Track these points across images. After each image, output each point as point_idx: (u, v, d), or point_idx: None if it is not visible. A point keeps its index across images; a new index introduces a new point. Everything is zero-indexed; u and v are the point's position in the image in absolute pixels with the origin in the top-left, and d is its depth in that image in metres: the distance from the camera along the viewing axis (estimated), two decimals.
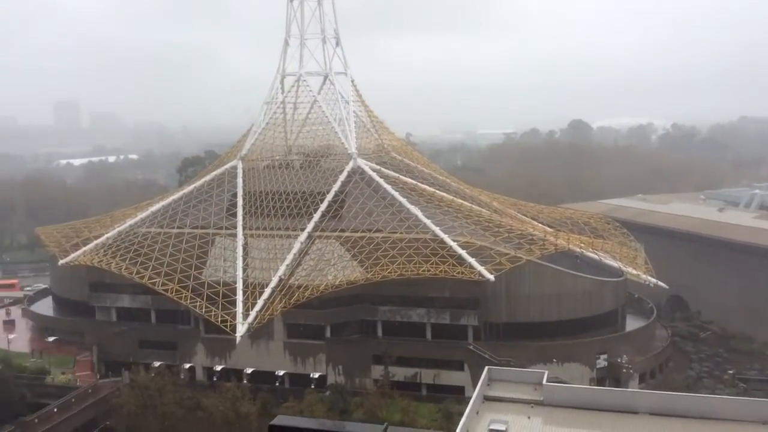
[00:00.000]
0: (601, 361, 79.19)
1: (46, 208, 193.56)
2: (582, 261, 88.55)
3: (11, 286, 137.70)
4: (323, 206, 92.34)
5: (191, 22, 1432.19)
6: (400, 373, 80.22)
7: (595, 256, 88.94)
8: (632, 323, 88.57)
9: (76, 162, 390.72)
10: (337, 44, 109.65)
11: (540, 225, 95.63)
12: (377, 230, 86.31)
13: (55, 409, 75.37)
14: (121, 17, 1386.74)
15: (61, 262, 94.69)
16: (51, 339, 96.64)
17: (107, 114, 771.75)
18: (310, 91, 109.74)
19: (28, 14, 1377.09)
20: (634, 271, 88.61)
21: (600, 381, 77.94)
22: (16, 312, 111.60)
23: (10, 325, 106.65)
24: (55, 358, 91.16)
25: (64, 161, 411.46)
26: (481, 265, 78.02)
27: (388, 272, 78.90)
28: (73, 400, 77.82)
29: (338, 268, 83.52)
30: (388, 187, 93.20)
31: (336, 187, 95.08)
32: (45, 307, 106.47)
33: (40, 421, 72.95)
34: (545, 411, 44.75)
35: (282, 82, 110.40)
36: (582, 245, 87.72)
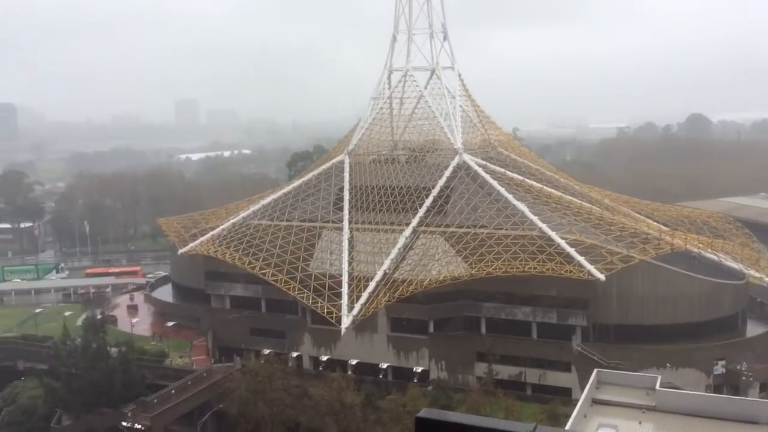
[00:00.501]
0: (719, 368, 75.00)
1: (167, 200, 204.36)
2: (700, 262, 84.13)
3: (134, 273, 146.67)
4: (428, 201, 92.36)
5: (302, 21, 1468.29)
6: (504, 371, 79.20)
7: (715, 258, 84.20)
8: (754, 329, 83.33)
9: (194, 157, 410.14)
10: (445, 38, 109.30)
11: (655, 223, 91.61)
12: (482, 226, 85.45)
13: (173, 391, 79.53)
14: (237, 21, 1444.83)
15: (180, 251, 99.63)
16: (170, 324, 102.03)
17: (223, 111, 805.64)
18: (417, 86, 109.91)
19: (152, 20, 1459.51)
20: (757, 274, 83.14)
21: (717, 388, 73.81)
22: (138, 297, 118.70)
23: (133, 309, 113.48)
24: (174, 342, 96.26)
25: (183, 156, 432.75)
26: (591, 264, 75.65)
27: (493, 269, 77.97)
28: (189, 382, 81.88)
29: (442, 264, 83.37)
30: (494, 183, 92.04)
31: (441, 182, 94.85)
32: (165, 293, 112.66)
33: (159, 401, 77.22)
34: (657, 417, 42.82)
35: (389, 78, 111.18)
36: (700, 245, 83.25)
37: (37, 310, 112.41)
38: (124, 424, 76.51)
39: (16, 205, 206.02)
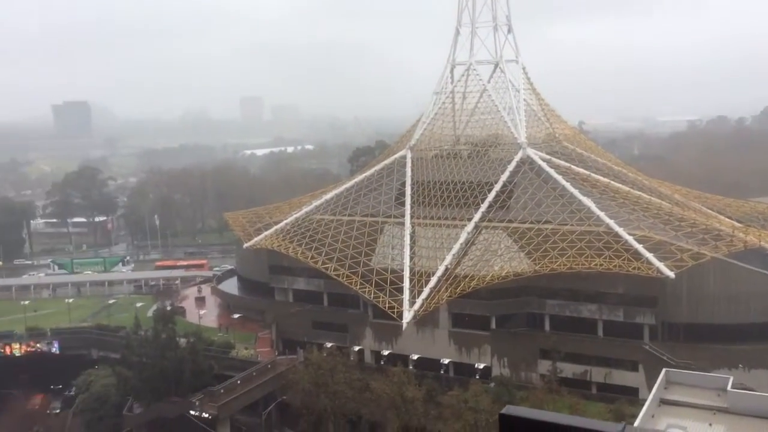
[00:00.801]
0: None
1: (233, 195, 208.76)
2: None
3: (200, 266, 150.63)
4: (491, 196, 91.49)
5: (364, 18, 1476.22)
6: (569, 369, 77.83)
7: None
8: None
9: (259, 152, 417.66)
10: (509, 31, 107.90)
11: (727, 220, 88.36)
12: (546, 222, 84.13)
13: (239, 381, 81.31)
14: (300, 20, 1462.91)
15: (245, 245, 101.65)
16: (236, 316, 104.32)
17: (287, 107, 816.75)
18: (480, 80, 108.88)
19: (219, 21, 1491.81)
20: None
21: None
22: (206, 290, 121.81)
23: (201, 301, 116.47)
24: (239, 333, 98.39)
25: (248, 152, 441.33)
26: (661, 261, 73.53)
27: (557, 265, 76.67)
28: (254, 373, 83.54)
29: (505, 259, 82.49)
30: (559, 178, 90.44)
31: (504, 177, 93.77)
32: (231, 286, 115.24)
33: (226, 391, 79.09)
34: (729, 419, 41.26)
35: (452, 72, 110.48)
36: None
37: (111, 301, 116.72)
38: (192, 412, 78.70)
39: (90, 200, 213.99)
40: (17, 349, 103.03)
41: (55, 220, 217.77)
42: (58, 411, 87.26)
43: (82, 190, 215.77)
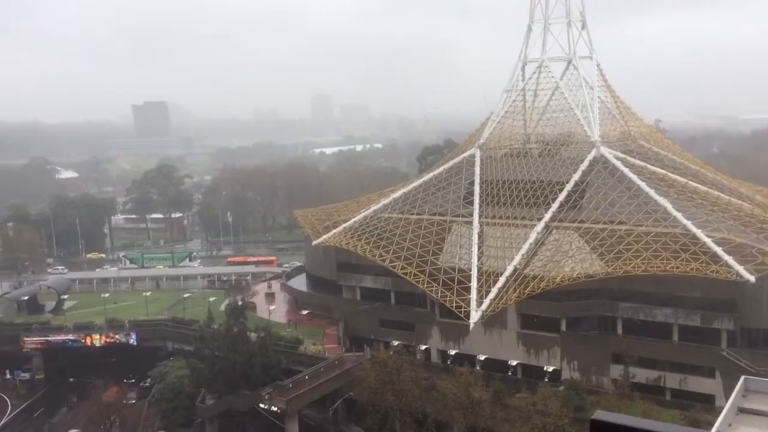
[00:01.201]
0: None
1: (302, 192, 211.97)
2: None
3: (270, 263, 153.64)
4: (562, 196, 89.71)
5: (433, 17, 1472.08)
6: (642, 374, 75.53)
7: None
8: None
9: (328, 151, 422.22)
10: (583, 27, 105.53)
11: None
12: (620, 222, 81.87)
13: (307, 377, 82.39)
14: (370, 20, 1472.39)
15: (314, 242, 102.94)
16: (304, 312, 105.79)
17: (356, 106, 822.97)
18: (552, 77, 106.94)
19: (290, 22, 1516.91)
20: None
21: None
22: (276, 286, 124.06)
23: (270, 297, 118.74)
24: (307, 329, 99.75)
25: (318, 150, 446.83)
26: (740, 265, 70.47)
27: (631, 267, 74.48)
28: (321, 369, 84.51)
29: (576, 261, 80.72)
30: (634, 177, 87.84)
31: (576, 176, 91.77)
32: (300, 282, 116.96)
33: (294, 386, 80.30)
34: None
35: (523, 69, 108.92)
36: None
37: (185, 295, 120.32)
38: (261, 405, 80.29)
39: (167, 197, 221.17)
40: (97, 340, 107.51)
41: (134, 216, 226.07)
42: (134, 401, 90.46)
43: (160, 188, 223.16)
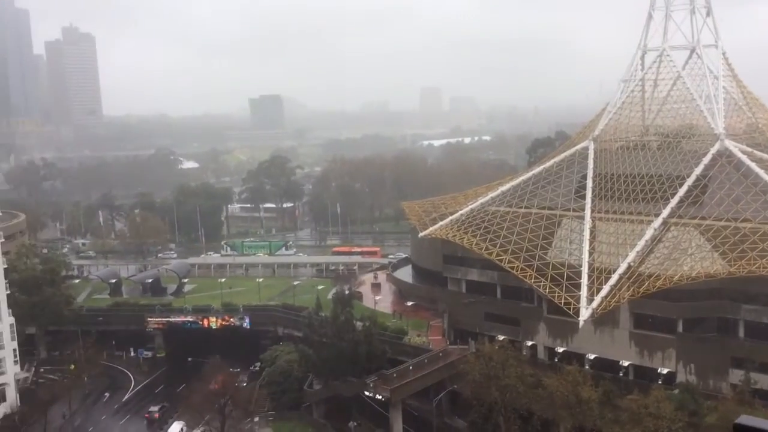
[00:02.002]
0: None
1: (410, 184, 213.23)
2: None
3: (374, 253, 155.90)
4: (682, 191, 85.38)
5: (544, 8, 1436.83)
6: (765, 381, 70.83)
7: None
8: None
9: (436, 143, 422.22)
10: (708, 13, 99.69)
11: None
12: (744, 220, 76.94)
13: (411, 367, 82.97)
14: (480, 12, 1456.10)
15: (420, 234, 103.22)
16: (409, 303, 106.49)
17: (465, 98, 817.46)
18: (674, 66, 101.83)
19: (400, 14, 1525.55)
20: None
21: None
22: (382, 276, 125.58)
23: (376, 287, 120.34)
24: (412, 320, 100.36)
25: (426, 142, 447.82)
26: None
27: (756, 267, 69.88)
28: (425, 360, 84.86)
29: (696, 259, 76.64)
30: (761, 172, 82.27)
31: (698, 170, 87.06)
32: (405, 274, 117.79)
33: (398, 376, 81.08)
34: None
35: (642, 58, 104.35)
36: None
37: (295, 283, 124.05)
38: (366, 393, 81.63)
39: (280, 187, 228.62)
40: (213, 322, 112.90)
41: (248, 205, 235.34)
42: (245, 384, 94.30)
43: (273, 178, 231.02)
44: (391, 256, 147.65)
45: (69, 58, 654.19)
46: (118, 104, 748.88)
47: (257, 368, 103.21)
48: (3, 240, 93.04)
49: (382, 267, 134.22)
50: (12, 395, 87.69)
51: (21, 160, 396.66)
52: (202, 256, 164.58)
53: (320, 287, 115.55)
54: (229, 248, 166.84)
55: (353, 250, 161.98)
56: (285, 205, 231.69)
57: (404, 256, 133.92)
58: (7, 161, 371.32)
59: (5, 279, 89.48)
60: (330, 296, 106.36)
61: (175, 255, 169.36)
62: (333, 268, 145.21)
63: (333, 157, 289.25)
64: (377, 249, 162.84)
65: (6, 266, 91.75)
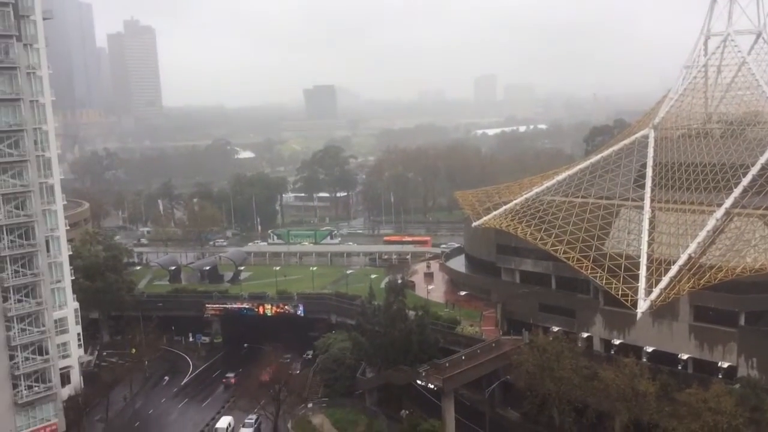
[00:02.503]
0: None
1: (463, 174, 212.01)
2: None
3: (425, 243, 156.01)
4: (746, 180, 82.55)
5: None
6: None
7: None
8: None
9: (491, 132, 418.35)
10: None
11: None
12: None
13: (463, 357, 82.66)
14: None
15: (474, 224, 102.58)
16: (462, 293, 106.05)
17: (521, 86, 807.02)
18: (739, 51, 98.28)
19: (455, 2, 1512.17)
20: None
21: None
22: (434, 266, 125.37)
23: (429, 277, 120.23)
24: (465, 310, 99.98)
25: (480, 131, 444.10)
26: None
27: None
28: (478, 351, 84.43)
29: (760, 251, 74.07)
30: None
31: (763, 159, 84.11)
32: (458, 263, 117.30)
33: (451, 365, 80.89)
34: None
35: (705, 44, 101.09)
36: None
37: (348, 272, 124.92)
38: (418, 382, 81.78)
39: (333, 177, 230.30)
40: (269, 310, 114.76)
41: (302, 195, 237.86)
42: (298, 372, 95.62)
43: (327, 168, 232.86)
44: (444, 246, 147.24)
45: (130, 50, 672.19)
46: (176, 95, 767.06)
47: (309, 356, 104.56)
48: (68, 227, 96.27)
49: (435, 256, 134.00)
50: (76, 378, 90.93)
51: (85, 150, 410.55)
52: (250, 244, 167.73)
53: (373, 276, 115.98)
54: (276, 237, 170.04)
55: (404, 239, 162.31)
56: (338, 195, 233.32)
57: (456, 245, 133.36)
58: (71, 151, 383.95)
59: (70, 265, 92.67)
60: (383, 285, 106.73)
61: (225, 243, 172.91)
62: (386, 257, 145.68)
63: (386, 146, 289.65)
64: (428, 238, 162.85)
65: (71, 253, 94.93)
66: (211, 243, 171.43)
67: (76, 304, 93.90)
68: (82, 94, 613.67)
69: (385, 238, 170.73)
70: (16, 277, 78.52)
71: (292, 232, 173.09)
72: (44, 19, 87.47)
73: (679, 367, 77.55)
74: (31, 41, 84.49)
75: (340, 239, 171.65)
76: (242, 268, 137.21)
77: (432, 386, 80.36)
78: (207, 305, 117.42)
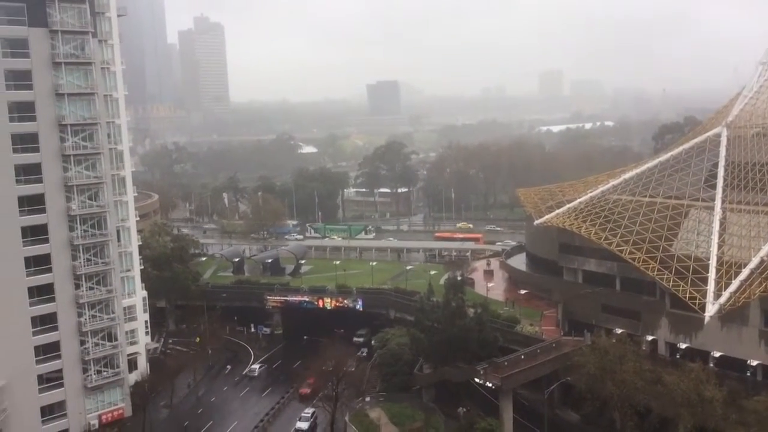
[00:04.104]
0: None
1: (526, 171, 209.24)
2: None
3: (476, 240, 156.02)
4: None
5: None
6: None
7: None
8: None
9: (555, 128, 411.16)
10: None
11: None
12: None
13: (522, 356, 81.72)
14: None
15: (535, 222, 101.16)
16: (522, 291, 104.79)
17: (588, 81, 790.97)
18: None
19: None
20: None
21: None
22: (495, 264, 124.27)
23: (489, 275, 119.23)
24: (525, 309, 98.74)
25: (544, 128, 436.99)
26: None
27: None
28: (538, 351, 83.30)
29: None
30: None
31: None
32: (519, 261, 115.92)
33: (509, 364, 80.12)
34: None
35: None
36: None
37: (408, 267, 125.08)
38: (476, 380, 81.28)
39: (395, 172, 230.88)
40: (328, 303, 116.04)
41: (364, 190, 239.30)
42: (353, 369, 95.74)
43: (388, 163, 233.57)
44: (499, 243, 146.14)
45: (200, 46, 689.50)
46: (243, 91, 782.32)
47: (364, 354, 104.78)
48: (138, 218, 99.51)
49: (496, 254, 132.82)
50: (143, 364, 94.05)
51: (155, 143, 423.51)
52: (286, 237, 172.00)
53: (433, 273, 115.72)
54: (313, 230, 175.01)
55: (455, 235, 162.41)
56: (399, 190, 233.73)
57: (513, 243, 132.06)
58: (142, 145, 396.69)
59: (139, 255, 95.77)
60: (442, 282, 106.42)
61: (302, 237, 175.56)
62: (446, 253, 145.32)
63: (448, 142, 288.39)
64: (479, 235, 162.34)
65: (140, 243, 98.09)
66: (286, 237, 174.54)
67: (145, 293, 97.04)
68: (154, 89, 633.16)
69: (436, 233, 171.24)
70: (88, 265, 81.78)
71: (328, 227, 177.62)
72: (118, 16, 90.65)
73: (748, 374, 74.75)
74: (106, 37, 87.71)
75: (374, 234, 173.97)
76: (303, 261, 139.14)
77: (490, 385, 79.75)
78: (268, 297, 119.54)
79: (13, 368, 76.46)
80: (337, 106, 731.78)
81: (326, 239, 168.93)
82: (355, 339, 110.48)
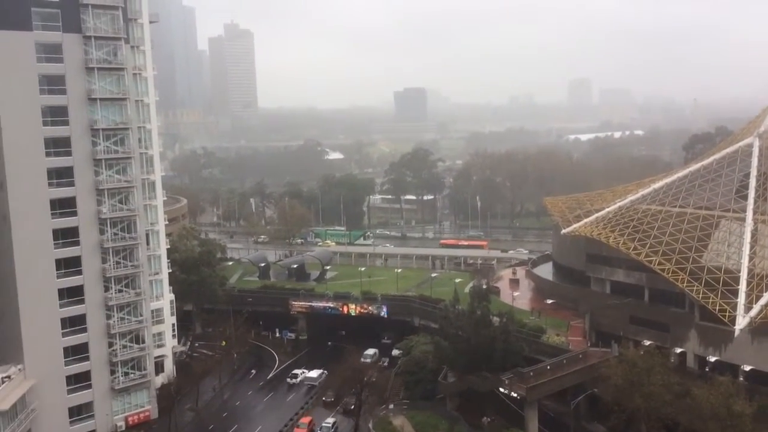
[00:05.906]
0: None
1: (553, 180, 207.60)
2: None
3: (481, 247, 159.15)
4: None
5: None
6: None
7: None
8: None
9: (583, 137, 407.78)
10: None
11: None
12: None
13: (548, 367, 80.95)
14: (636, 3, 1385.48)
15: (563, 231, 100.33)
16: (548, 301, 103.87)
17: (617, 90, 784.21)
18: None
19: (549, 6, 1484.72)
20: None
21: None
22: (521, 273, 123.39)
23: (515, 283, 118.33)
24: (551, 319, 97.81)
25: (572, 136, 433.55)
26: None
27: None
28: (564, 361, 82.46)
29: None
30: None
31: None
32: (545, 271, 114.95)
33: (535, 374, 79.41)
34: None
35: None
36: None
37: (433, 275, 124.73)
38: (501, 389, 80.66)
39: (421, 179, 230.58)
40: (353, 309, 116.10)
41: (390, 197, 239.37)
42: (374, 380, 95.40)
43: (414, 170, 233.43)
44: (512, 252, 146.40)
45: (229, 53, 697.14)
46: (271, 97, 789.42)
47: (385, 363, 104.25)
48: (167, 222, 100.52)
49: (522, 263, 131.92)
50: (169, 366, 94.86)
51: (184, 148, 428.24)
52: (299, 241, 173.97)
53: (458, 280, 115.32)
54: (314, 235, 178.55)
55: (459, 243, 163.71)
56: (425, 198, 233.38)
57: (524, 252, 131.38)
58: (172, 149, 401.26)
59: (167, 259, 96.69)
60: (467, 290, 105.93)
61: (333, 243, 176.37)
62: (471, 261, 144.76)
63: (475, 150, 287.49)
64: (484, 243, 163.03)
65: (169, 247, 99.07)
66: (318, 243, 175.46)
67: (172, 296, 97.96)
68: (184, 95, 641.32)
69: (441, 240, 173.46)
70: (117, 268, 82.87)
71: (329, 232, 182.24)
72: (150, 22, 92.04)
73: None
74: (138, 44, 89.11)
75: (373, 240, 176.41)
76: (328, 267, 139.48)
77: (515, 395, 79.12)
78: (293, 302, 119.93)
79: (42, 369, 77.71)
80: (364, 112, 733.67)
81: (349, 246, 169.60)
82: (384, 341, 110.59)
